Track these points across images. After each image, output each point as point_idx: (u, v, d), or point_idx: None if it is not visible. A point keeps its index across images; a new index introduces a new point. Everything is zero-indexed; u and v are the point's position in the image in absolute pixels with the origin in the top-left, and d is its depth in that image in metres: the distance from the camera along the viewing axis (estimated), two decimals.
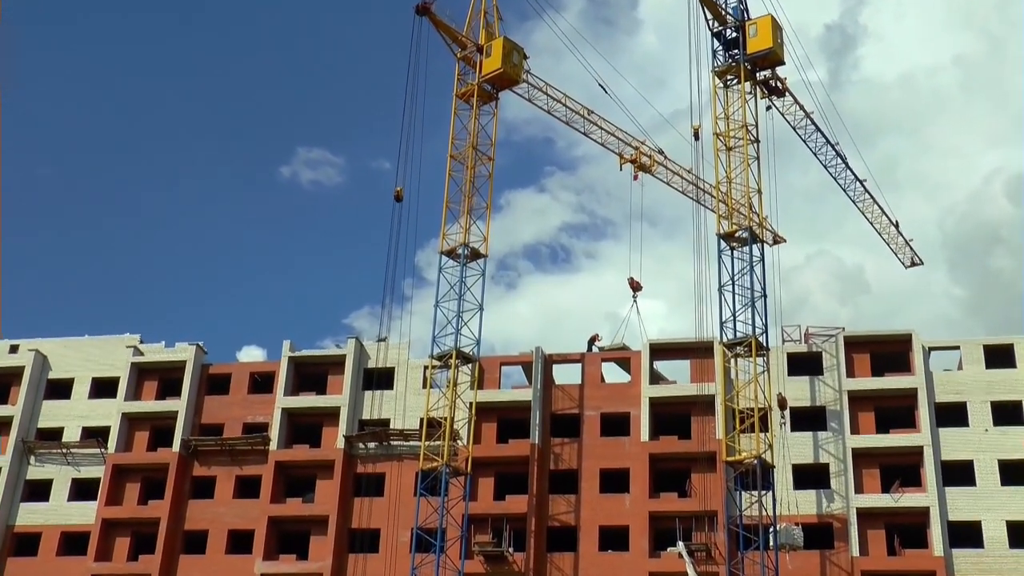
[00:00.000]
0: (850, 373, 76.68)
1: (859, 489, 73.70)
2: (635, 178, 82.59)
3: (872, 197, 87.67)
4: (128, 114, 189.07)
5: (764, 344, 72.81)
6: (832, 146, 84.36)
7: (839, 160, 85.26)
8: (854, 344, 77.58)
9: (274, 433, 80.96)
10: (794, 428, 75.74)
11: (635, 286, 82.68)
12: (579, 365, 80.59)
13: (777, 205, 79.39)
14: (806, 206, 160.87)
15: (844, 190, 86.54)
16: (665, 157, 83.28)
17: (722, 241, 75.52)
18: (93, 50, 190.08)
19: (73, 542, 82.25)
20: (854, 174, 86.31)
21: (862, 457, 74.51)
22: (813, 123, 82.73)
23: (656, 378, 79.62)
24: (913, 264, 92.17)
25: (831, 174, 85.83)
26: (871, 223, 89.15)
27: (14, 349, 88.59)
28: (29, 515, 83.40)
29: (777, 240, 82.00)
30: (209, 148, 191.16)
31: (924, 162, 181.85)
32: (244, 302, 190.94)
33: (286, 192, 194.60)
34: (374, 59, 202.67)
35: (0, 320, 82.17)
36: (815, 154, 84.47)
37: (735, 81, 78.53)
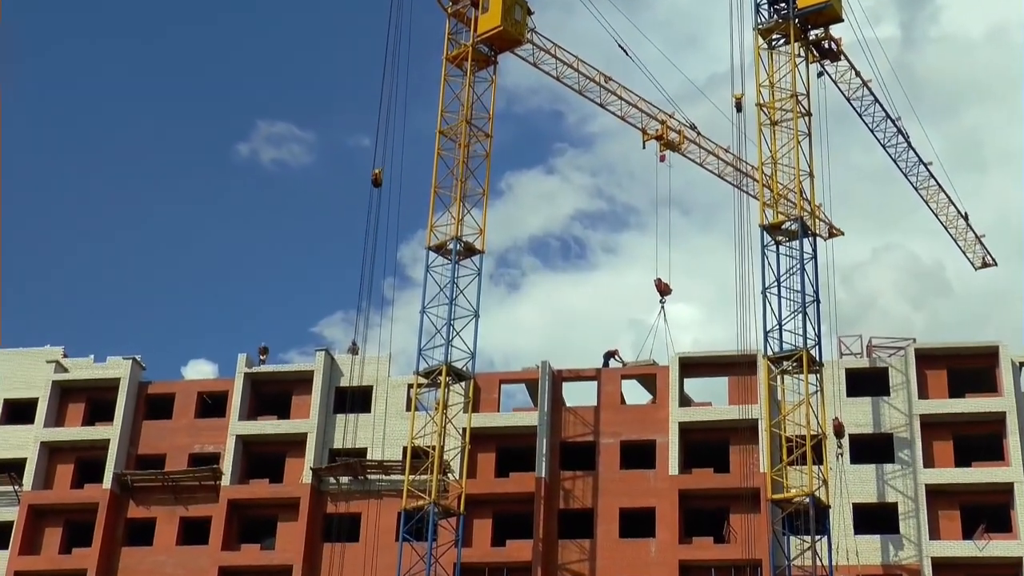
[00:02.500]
0: (923, 394, 74.44)
1: (934, 534, 71.54)
2: (661, 158, 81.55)
3: (938, 183, 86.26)
4: (47, 80, 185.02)
5: (818, 358, 70.78)
6: (892, 121, 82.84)
7: (900, 138, 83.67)
8: (928, 358, 75.37)
9: (227, 465, 79.12)
10: (855, 460, 73.66)
11: (663, 289, 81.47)
12: (594, 383, 78.97)
13: (831, 191, 77.59)
14: (872, 191, 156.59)
15: (906, 175, 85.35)
16: (698, 133, 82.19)
17: (767, 234, 73.74)
18: None
19: None
20: (917, 155, 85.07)
21: (938, 495, 72.36)
22: (871, 93, 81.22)
23: (687, 399, 77.83)
24: (985, 265, 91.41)
25: (890, 155, 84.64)
26: (936, 215, 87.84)
27: None
28: None
29: (833, 232, 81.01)
30: (148, 120, 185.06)
31: (1017, 136, 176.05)
32: (190, 307, 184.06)
33: (243, 174, 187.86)
34: (349, 15, 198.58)
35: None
36: (872, 131, 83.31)
37: (782, 41, 76.80)
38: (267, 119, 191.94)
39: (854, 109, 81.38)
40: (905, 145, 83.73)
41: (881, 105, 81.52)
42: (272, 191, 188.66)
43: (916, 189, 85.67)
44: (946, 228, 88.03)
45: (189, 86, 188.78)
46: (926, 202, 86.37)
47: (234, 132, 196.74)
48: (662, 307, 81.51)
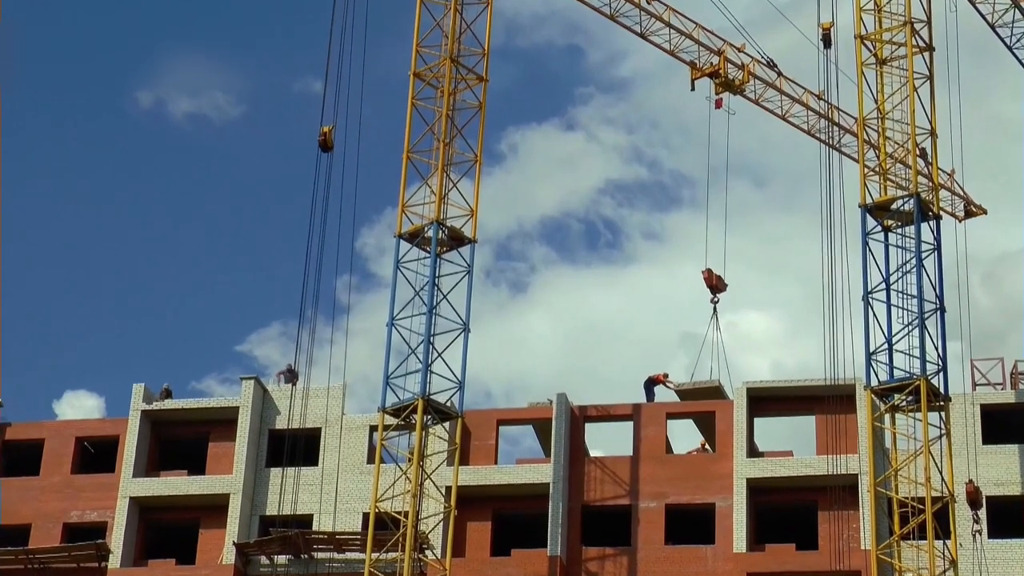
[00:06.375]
0: None
1: None
2: (716, 104, 79.14)
3: None
4: None
5: (942, 390, 66.90)
6: None
7: None
8: None
9: (116, 540, 74.58)
10: (995, 532, 69.50)
11: (715, 284, 79.36)
12: (630, 424, 76.36)
13: (964, 155, 73.83)
14: None
15: None
16: (779, 73, 79.15)
17: (871, 216, 70.22)
18: None
19: None
20: None
21: None
22: None
23: (758, 448, 75.87)
24: None
25: None
26: None
27: None
28: None
29: (972, 212, 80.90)
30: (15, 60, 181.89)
31: None
32: (67, 318, 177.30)
33: (145, 133, 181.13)
34: None
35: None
36: None
37: None
38: (179, 56, 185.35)
39: (1000, 40, 79.00)
40: None
41: None
42: (185, 156, 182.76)
43: None
44: None
45: (70, 14, 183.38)
46: None
47: (131, 74, 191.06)
48: (714, 311, 79.54)
